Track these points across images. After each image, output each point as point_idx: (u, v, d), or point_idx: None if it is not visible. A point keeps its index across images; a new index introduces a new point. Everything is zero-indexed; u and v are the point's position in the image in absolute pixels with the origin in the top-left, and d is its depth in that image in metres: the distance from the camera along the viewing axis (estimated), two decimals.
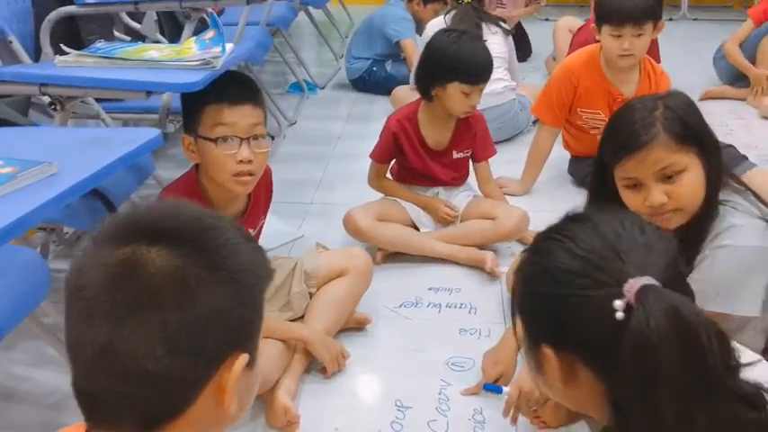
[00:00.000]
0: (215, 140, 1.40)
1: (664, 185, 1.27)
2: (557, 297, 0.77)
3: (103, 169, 0.94)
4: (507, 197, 2.31)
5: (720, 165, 1.30)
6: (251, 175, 1.44)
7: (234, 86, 1.43)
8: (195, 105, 1.42)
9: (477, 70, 2.00)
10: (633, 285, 0.71)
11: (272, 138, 1.48)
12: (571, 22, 3.57)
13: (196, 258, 0.63)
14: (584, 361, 0.76)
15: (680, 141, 1.25)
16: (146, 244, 0.62)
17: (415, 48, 3.55)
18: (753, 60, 3.33)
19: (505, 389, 1.43)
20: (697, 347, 0.69)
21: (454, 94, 2.00)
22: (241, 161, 1.41)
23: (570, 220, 0.84)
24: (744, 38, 3.42)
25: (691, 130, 1.27)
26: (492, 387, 1.50)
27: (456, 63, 1.99)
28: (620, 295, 0.71)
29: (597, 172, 1.39)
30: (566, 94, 2.39)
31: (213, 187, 1.50)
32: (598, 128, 2.41)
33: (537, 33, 4.03)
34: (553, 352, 0.77)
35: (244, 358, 0.66)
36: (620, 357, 0.69)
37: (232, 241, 0.67)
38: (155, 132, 1.10)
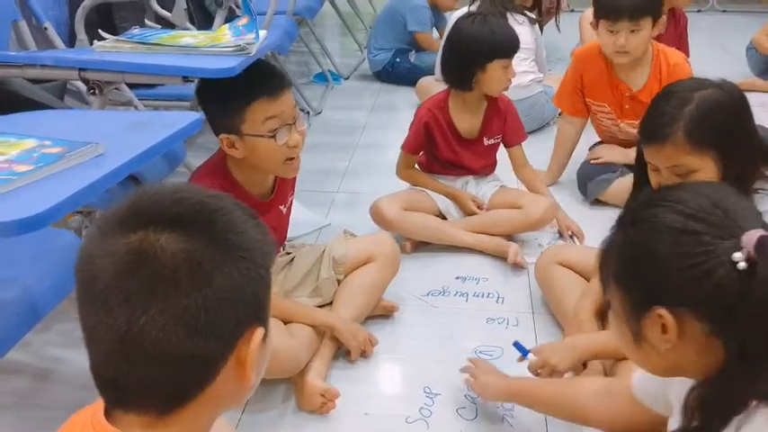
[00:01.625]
0: (271, 135, 1.42)
1: (677, 177, 1.29)
2: (671, 256, 0.80)
3: (148, 151, 0.95)
4: None
5: (750, 161, 1.28)
6: (297, 155, 1.49)
7: (268, 78, 1.44)
8: (235, 106, 1.41)
9: (512, 42, 2.07)
10: (751, 237, 0.75)
11: (308, 113, 1.52)
12: None
13: (206, 241, 0.64)
14: (698, 316, 0.79)
15: (696, 144, 1.26)
16: (153, 231, 0.63)
17: (431, 39, 3.54)
18: None
19: (530, 355, 1.45)
20: None
21: (495, 72, 2.03)
22: (293, 146, 1.45)
23: (667, 189, 0.89)
24: None
25: (713, 134, 1.27)
26: (520, 346, 1.50)
27: (493, 42, 2.03)
28: (739, 248, 0.76)
29: (639, 153, 1.40)
30: (574, 83, 2.38)
31: (247, 171, 1.52)
32: (607, 126, 2.38)
33: (563, 24, 3.98)
34: (668, 312, 0.80)
35: (260, 332, 0.68)
36: (749, 304, 0.75)
37: (237, 221, 0.68)
38: (195, 116, 1.11)
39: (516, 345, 1.51)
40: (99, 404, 0.69)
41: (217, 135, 1.46)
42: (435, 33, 3.71)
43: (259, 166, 1.49)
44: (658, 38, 2.40)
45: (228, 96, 1.41)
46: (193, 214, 0.66)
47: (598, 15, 2.15)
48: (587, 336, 1.49)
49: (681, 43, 2.91)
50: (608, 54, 2.19)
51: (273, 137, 1.42)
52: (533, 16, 3.10)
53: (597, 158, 2.37)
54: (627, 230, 0.86)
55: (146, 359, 0.63)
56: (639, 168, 1.41)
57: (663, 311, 0.80)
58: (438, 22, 3.78)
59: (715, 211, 0.80)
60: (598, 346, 1.44)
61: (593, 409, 1.19)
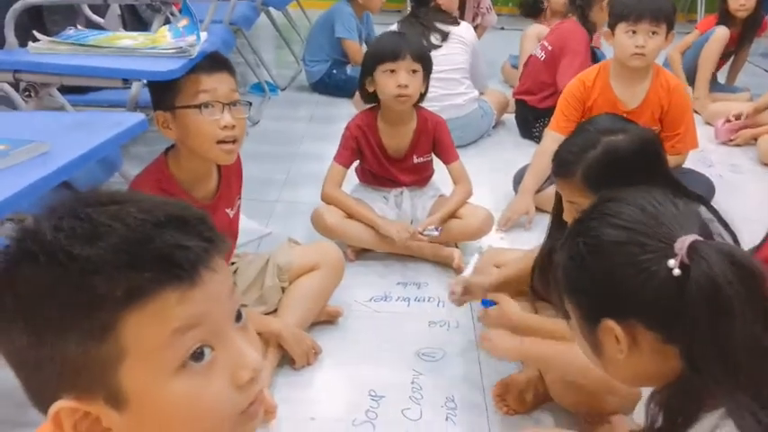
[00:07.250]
0: (198, 107, 1.39)
1: (574, 211, 1.32)
2: (612, 269, 0.81)
3: (95, 149, 0.93)
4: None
5: None
6: (234, 142, 1.45)
7: (207, 58, 1.45)
8: (170, 80, 1.39)
9: (395, 47, 2.06)
10: (683, 242, 0.77)
11: (250, 104, 1.48)
12: (540, 30, 3.53)
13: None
14: (647, 325, 0.80)
15: (591, 188, 1.28)
16: None
17: (358, 48, 3.59)
18: (696, 64, 3.51)
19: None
20: (755, 280, 0.76)
21: (381, 77, 2.04)
22: (225, 127, 1.41)
23: (605, 200, 0.88)
24: (687, 46, 3.61)
25: (611, 181, 1.24)
26: (487, 302, 1.54)
27: (376, 49, 2.12)
28: (672, 254, 0.77)
29: None
30: (575, 108, 2.31)
31: (187, 166, 1.48)
32: None
33: (493, 41, 4.13)
34: (616, 323, 0.81)
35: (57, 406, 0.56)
36: (688, 307, 0.75)
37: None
38: (140, 116, 1.10)
39: (484, 302, 1.54)
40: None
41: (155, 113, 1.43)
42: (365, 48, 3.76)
43: (193, 148, 1.45)
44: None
45: None
46: None
47: (618, 18, 2.17)
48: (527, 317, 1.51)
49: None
50: (623, 58, 2.17)
51: (200, 108, 1.39)
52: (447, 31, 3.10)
53: None
54: (570, 246, 0.87)
55: None
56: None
57: (611, 323, 0.81)
58: (369, 34, 3.85)
59: (648, 220, 0.81)
60: (528, 323, 1.46)
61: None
